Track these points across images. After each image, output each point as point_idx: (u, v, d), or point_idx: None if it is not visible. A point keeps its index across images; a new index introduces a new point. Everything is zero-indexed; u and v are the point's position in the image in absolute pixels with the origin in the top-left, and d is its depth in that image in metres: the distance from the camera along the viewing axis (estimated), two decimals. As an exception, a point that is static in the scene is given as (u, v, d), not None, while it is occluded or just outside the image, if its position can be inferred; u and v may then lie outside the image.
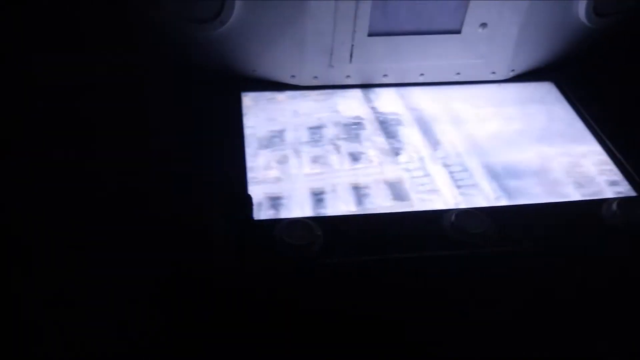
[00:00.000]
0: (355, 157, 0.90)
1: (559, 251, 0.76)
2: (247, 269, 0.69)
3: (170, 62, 0.95)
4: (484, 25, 0.99)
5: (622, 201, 0.79)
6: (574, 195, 0.85)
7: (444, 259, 0.73)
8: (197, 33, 0.94)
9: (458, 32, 1.00)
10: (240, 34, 0.96)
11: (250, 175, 0.85)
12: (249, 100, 1.01)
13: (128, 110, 0.89)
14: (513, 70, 1.08)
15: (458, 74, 1.07)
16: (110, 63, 0.88)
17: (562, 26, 1.02)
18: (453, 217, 0.75)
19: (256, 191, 0.82)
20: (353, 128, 0.97)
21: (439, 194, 0.84)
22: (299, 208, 0.80)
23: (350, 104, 1.02)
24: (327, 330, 0.73)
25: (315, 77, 1.03)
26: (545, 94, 1.07)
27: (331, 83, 1.05)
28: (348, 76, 1.04)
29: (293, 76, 1.03)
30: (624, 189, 0.87)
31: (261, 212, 0.79)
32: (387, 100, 1.04)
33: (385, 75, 1.05)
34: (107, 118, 0.86)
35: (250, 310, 0.70)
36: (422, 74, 1.06)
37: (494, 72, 1.07)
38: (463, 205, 0.82)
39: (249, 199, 0.78)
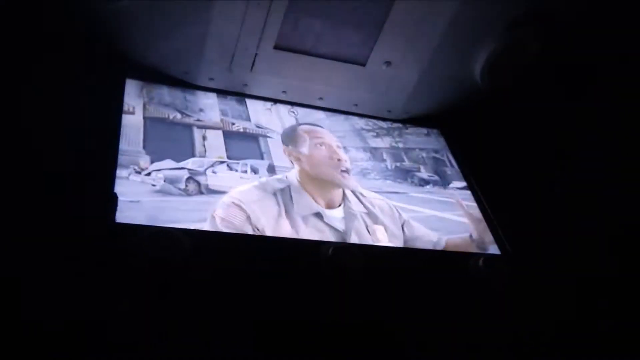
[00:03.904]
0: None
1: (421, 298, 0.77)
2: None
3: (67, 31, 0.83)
4: (388, 63, 0.99)
5: (487, 258, 0.83)
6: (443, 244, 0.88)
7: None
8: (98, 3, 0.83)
9: (363, 64, 0.99)
10: (139, 12, 0.84)
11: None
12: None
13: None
14: (407, 112, 1.10)
15: (356, 105, 1.07)
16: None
17: (458, 81, 1.05)
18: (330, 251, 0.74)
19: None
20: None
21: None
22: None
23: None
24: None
25: (211, 79, 0.97)
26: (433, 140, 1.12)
27: (227, 88, 0.99)
28: (246, 85, 1.00)
29: (186, 72, 0.95)
30: (491, 246, 0.91)
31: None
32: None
33: (284, 92, 1.02)
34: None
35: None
36: (320, 98, 1.04)
37: (389, 111, 1.09)
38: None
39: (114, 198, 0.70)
